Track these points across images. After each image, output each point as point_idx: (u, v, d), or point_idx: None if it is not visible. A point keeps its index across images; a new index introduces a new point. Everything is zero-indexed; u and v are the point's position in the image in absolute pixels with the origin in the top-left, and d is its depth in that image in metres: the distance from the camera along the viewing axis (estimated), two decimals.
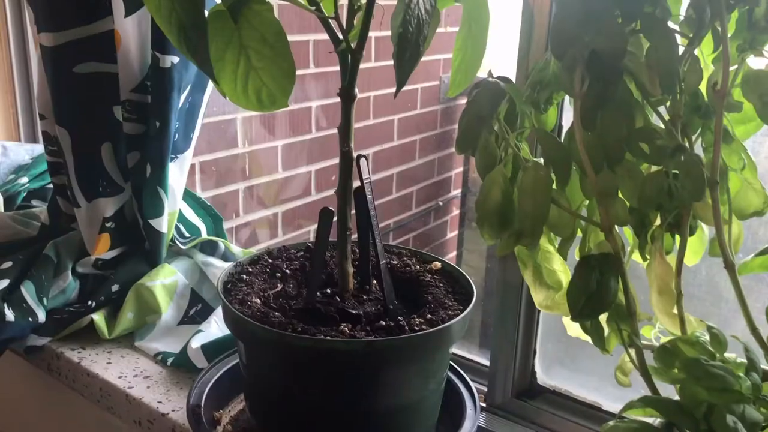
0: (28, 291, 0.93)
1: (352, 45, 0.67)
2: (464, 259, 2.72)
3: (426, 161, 2.50)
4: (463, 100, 0.63)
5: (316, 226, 0.73)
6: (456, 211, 2.69)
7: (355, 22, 0.70)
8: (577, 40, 0.53)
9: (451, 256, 2.71)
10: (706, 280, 0.72)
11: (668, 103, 0.57)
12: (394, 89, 0.60)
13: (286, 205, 1.97)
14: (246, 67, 0.63)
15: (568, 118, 0.79)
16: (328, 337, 0.63)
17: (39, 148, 1.23)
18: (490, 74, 0.61)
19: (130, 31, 0.90)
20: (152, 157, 0.94)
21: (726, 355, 0.50)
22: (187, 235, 1.09)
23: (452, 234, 2.69)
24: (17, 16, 1.27)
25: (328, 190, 2.08)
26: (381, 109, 2.20)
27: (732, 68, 0.55)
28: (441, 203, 2.59)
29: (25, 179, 1.14)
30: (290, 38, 0.64)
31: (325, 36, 0.67)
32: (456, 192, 2.67)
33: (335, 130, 0.69)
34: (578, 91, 0.53)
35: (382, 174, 2.31)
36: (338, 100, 0.69)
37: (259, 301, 0.72)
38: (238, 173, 1.79)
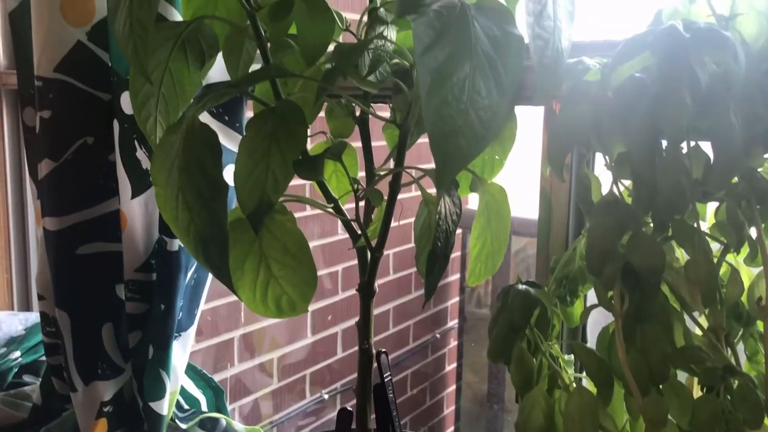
0: None
1: (372, 242, 0.66)
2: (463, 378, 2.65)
3: (422, 294, 2.47)
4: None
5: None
6: (453, 343, 2.63)
7: (373, 215, 0.69)
8: (612, 256, 0.51)
9: (450, 390, 2.62)
10: None
11: (707, 311, 0.55)
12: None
13: (282, 350, 1.91)
14: (266, 276, 0.60)
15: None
16: None
17: (33, 317, 1.18)
18: (518, 280, 0.59)
19: (137, 212, 0.89)
20: (155, 339, 0.90)
21: None
22: (186, 407, 1.03)
23: (450, 367, 2.62)
24: (17, 182, 1.27)
25: (324, 330, 2.03)
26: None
27: None
28: (438, 336, 2.54)
29: (17, 353, 1.09)
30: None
31: None
32: (453, 323, 2.63)
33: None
34: (618, 310, 0.51)
35: (379, 309, 2.27)
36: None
37: None
38: (233, 321, 1.75)
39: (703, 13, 0.59)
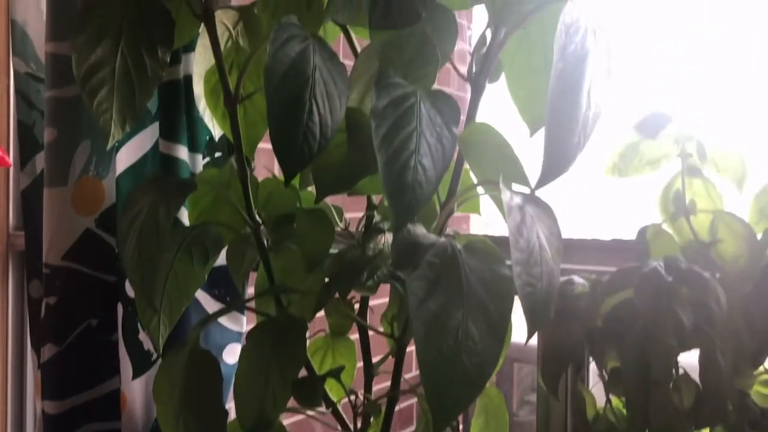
0: None
1: None
2: None
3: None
4: None
5: None
6: None
7: (371, 420, 0.70)
8: None
9: None
10: None
11: None
12: None
13: None
14: None
15: None
16: None
17: None
18: None
19: (137, 392, 0.89)
20: None
21: None
22: None
23: None
24: (19, 348, 1.27)
25: None
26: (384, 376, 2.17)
27: None
28: None
29: None
30: None
31: None
32: None
33: None
34: None
35: None
36: None
37: None
38: None
39: (686, 234, 0.62)
